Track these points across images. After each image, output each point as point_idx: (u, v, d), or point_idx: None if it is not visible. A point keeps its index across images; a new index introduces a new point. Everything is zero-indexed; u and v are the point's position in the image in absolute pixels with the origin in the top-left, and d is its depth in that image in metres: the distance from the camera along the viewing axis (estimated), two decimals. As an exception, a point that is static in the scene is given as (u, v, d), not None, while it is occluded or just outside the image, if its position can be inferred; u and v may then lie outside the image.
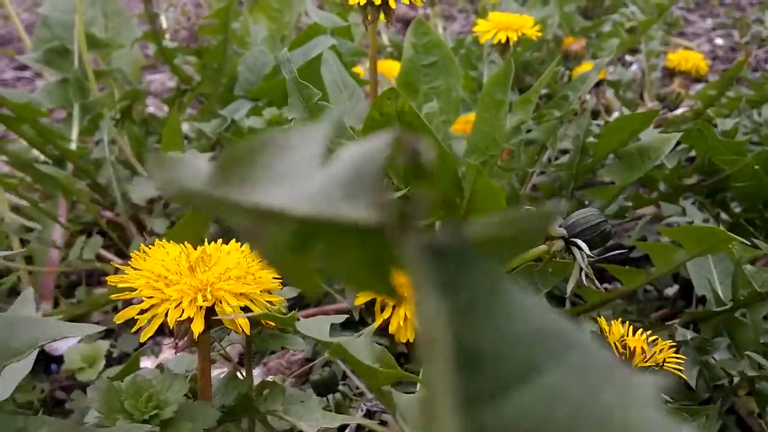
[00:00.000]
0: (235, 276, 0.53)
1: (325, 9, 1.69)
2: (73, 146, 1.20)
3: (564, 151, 1.15)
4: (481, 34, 1.02)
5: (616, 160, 0.95)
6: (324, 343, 0.36)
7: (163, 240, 0.57)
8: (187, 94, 1.40)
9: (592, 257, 0.60)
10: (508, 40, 1.00)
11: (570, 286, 0.61)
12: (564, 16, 1.79)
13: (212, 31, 1.23)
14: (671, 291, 1.00)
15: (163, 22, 1.34)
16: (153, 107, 2.06)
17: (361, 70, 1.49)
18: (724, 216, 1.00)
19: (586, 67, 1.66)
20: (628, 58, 2.28)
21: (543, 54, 1.81)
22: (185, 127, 1.47)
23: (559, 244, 0.60)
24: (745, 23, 2.69)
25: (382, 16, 0.78)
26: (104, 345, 0.92)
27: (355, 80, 1.02)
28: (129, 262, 0.53)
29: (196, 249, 0.57)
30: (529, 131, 0.92)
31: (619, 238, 1.19)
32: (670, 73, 1.84)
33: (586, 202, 1.02)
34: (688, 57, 1.78)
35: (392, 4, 0.73)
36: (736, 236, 0.67)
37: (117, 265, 0.54)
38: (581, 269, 0.60)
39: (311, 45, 1.09)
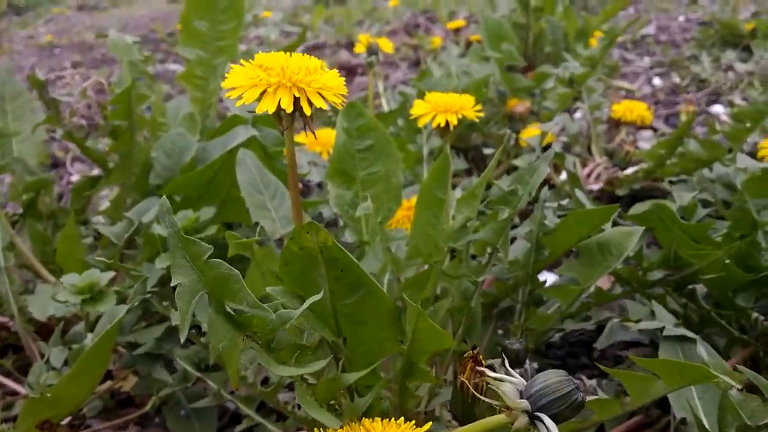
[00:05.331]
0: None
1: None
2: (-45, 260, 1.03)
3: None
4: (419, 118, 0.92)
5: (575, 255, 0.85)
6: None
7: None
8: (100, 182, 1.26)
9: None
10: (447, 123, 0.90)
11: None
12: (505, 77, 1.72)
13: (116, 116, 1.09)
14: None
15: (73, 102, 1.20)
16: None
17: (303, 137, 1.37)
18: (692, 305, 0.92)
19: (531, 131, 1.59)
20: (573, 105, 2.24)
21: (486, 113, 1.74)
22: (100, 218, 1.32)
23: (521, 420, 0.49)
24: (682, 64, 2.71)
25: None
26: None
27: (279, 176, 0.90)
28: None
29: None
30: (476, 231, 0.81)
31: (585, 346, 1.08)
32: (615, 123, 1.79)
33: (545, 299, 0.92)
34: (633, 107, 1.73)
35: (307, 111, 0.62)
36: (718, 374, 0.57)
37: None
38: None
39: (230, 137, 0.96)
